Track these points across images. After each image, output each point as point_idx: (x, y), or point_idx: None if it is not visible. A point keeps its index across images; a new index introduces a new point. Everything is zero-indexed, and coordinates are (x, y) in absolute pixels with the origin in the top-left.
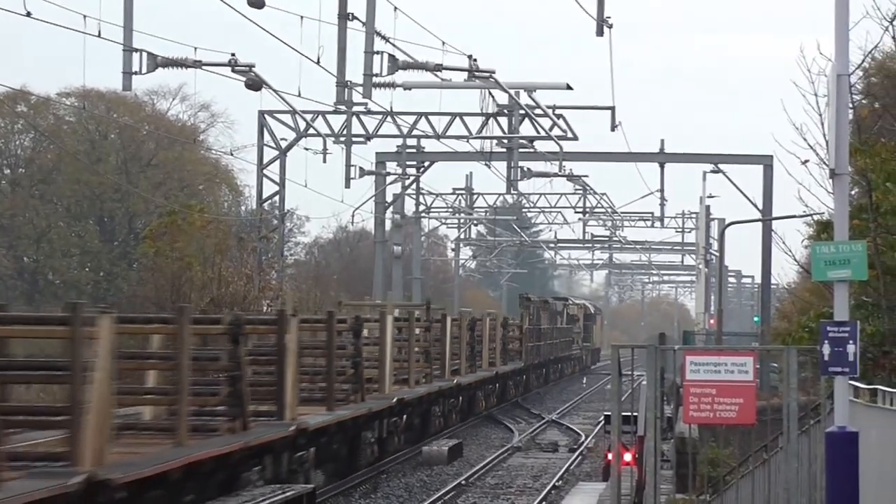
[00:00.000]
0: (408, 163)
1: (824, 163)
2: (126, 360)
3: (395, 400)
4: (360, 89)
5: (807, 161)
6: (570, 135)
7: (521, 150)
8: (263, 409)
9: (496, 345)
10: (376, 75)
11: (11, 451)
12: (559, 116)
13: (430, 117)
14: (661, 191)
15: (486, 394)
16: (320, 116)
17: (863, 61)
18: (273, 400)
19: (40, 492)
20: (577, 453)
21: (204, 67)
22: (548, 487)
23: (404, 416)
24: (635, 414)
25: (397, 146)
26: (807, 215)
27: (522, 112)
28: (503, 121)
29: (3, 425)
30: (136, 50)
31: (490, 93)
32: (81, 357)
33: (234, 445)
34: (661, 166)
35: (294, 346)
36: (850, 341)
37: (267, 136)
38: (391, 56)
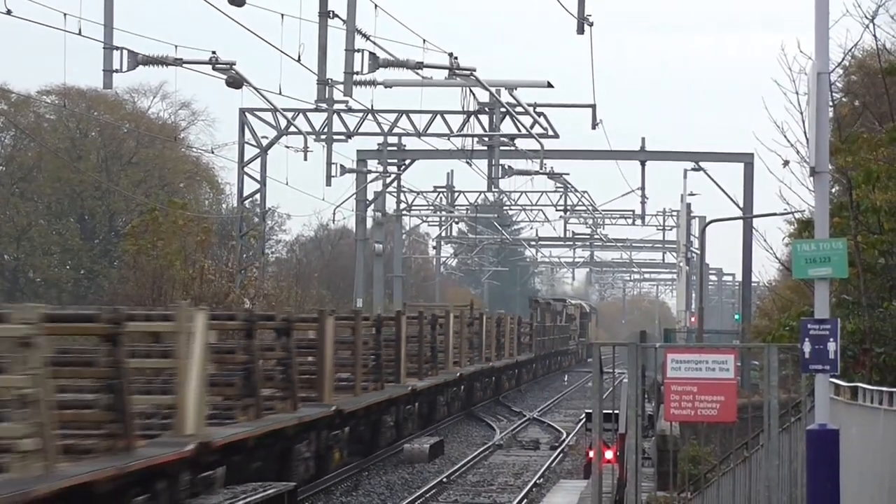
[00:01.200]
0: (389, 161)
1: (805, 161)
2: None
3: (458, 374)
4: (341, 87)
5: (788, 162)
6: (550, 133)
7: (502, 147)
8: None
9: (514, 338)
10: (357, 73)
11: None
12: (540, 114)
13: (411, 115)
14: (642, 189)
15: (508, 377)
16: (301, 114)
17: (843, 59)
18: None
19: (316, 414)
20: (558, 451)
21: (184, 65)
22: (529, 485)
23: (461, 388)
24: (616, 412)
25: (378, 144)
26: (787, 213)
27: (503, 110)
28: (484, 119)
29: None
30: (117, 48)
31: (471, 91)
32: (325, 341)
33: (375, 397)
34: (642, 164)
35: (405, 334)
36: (831, 339)
37: (248, 134)
38: (372, 54)
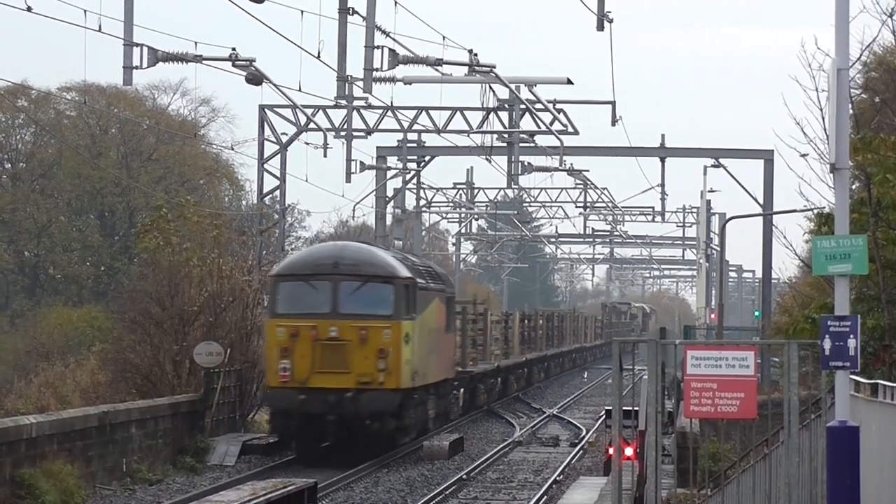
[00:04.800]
0: (408, 157)
1: (824, 157)
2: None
3: (576, 346)
4: (361, 84)
5: (806, 155)
6: (570, 129)
7: (521, 144)
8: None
9: (591, 329)
10: (377, 70)
11: None
12: (560, 111)
13: (430, 112)
14: (662, 185)
15: (591, 353)
16: (321, 111)
17: (861, 55)
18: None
19: (511, 361)
20: (578, 448)
21: (204, 62)
22: (549, 482)
23: (574, 355)
24: (636, 408)
25: (398, 141)
26: (807, 210)
27: (523, 107)
28: (504, 115)
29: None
30: (137, 44)
31: (490, 87)
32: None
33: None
34: (662, 161)
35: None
36: (851, 336)
37: (267, 131)
38: (391, 51)
